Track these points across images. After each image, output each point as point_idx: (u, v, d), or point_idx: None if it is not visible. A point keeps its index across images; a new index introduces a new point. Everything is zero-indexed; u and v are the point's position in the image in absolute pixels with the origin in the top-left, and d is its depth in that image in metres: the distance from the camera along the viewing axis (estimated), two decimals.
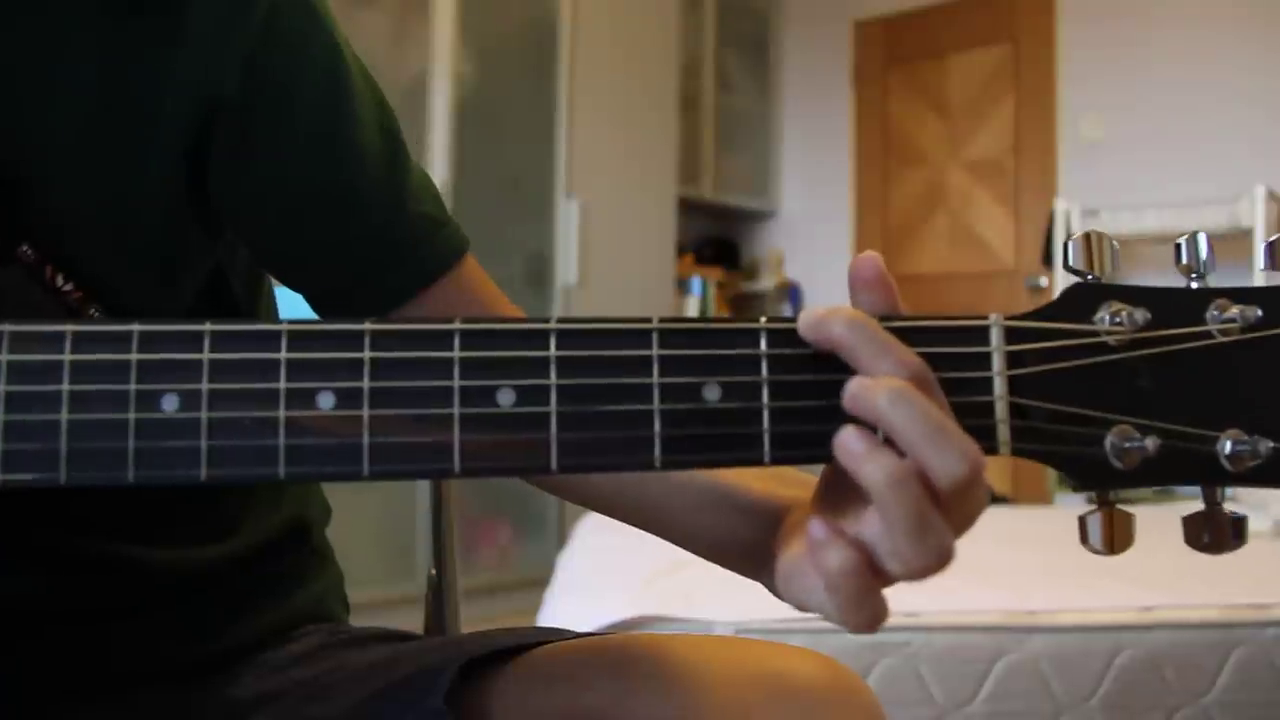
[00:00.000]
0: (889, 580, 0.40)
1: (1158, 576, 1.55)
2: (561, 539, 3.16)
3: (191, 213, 0.58)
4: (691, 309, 4.41)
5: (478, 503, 3.35)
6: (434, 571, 0.91)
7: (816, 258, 4.78)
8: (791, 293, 4.87)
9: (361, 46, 0.61)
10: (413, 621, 0.87)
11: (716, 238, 4.97)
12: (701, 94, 4.56)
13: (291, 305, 0.70)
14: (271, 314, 0.74)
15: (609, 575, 1.64)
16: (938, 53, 4.55)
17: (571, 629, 0.62)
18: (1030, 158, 4.29)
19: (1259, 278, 0.43)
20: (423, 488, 3.00)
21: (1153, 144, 3.88)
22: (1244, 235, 3.23)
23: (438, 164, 3.19)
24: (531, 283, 3.52)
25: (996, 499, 3.83)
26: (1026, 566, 1.71)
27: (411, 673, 0.58)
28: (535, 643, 0.58)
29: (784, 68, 5.00)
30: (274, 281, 0.73)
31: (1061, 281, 3.69)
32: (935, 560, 0.39)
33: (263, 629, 0.67)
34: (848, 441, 0.38)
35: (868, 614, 0.39)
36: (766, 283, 4.94)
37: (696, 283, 4.54)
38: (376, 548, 3.02)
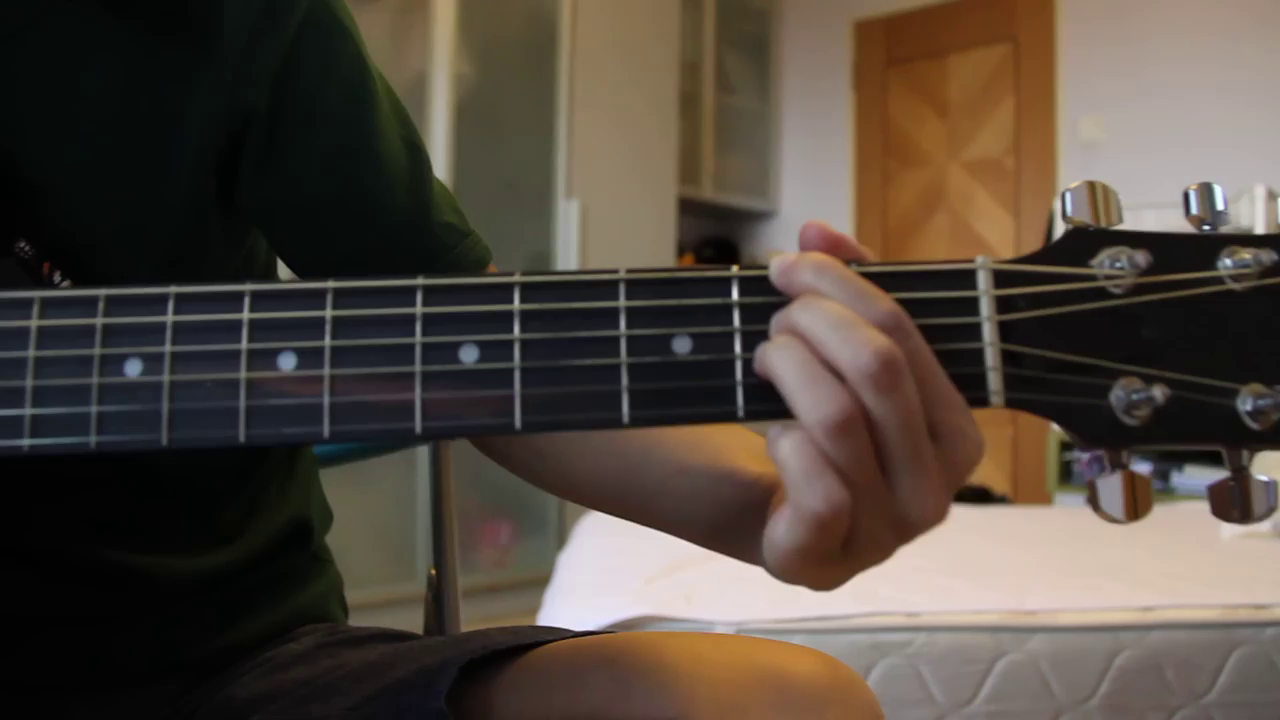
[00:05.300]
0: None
1: (1158, 576, 1.55)
2: (561, 539, 3.16)
3: (217, 223, 0.59)
4: None
5: (478, 502, 3.34)
6: (434, 571, 0.91)
7: None
8: None
9: None
10: (413, 621, 0.87)
11: (716, 238, 4.97)
12: (701, 94, 4.56)
13: None
14: None
15: (609, 575, 1.64)
16: (938, 53, 4.54)
17: (571, 629, 0.62)
18: (1030, 158, 4.29)
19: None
20: (423, 487, 3.00)
21: (1153, 144, 3.88)
22: None
23: (438, 164, 3.19)
24: None
25: (997, 499, 3.82)
26: (1026, 566, 1.71)
27: (411, 673, 0.58)
28: (535, 642, 0.58)
29: (784, 68, 5.00)
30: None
31: None
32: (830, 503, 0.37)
33: (263, 629, 0.68)
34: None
35: (821, 487, 0.37)
36: None
37: None
38: (376, 548, 3.02)
